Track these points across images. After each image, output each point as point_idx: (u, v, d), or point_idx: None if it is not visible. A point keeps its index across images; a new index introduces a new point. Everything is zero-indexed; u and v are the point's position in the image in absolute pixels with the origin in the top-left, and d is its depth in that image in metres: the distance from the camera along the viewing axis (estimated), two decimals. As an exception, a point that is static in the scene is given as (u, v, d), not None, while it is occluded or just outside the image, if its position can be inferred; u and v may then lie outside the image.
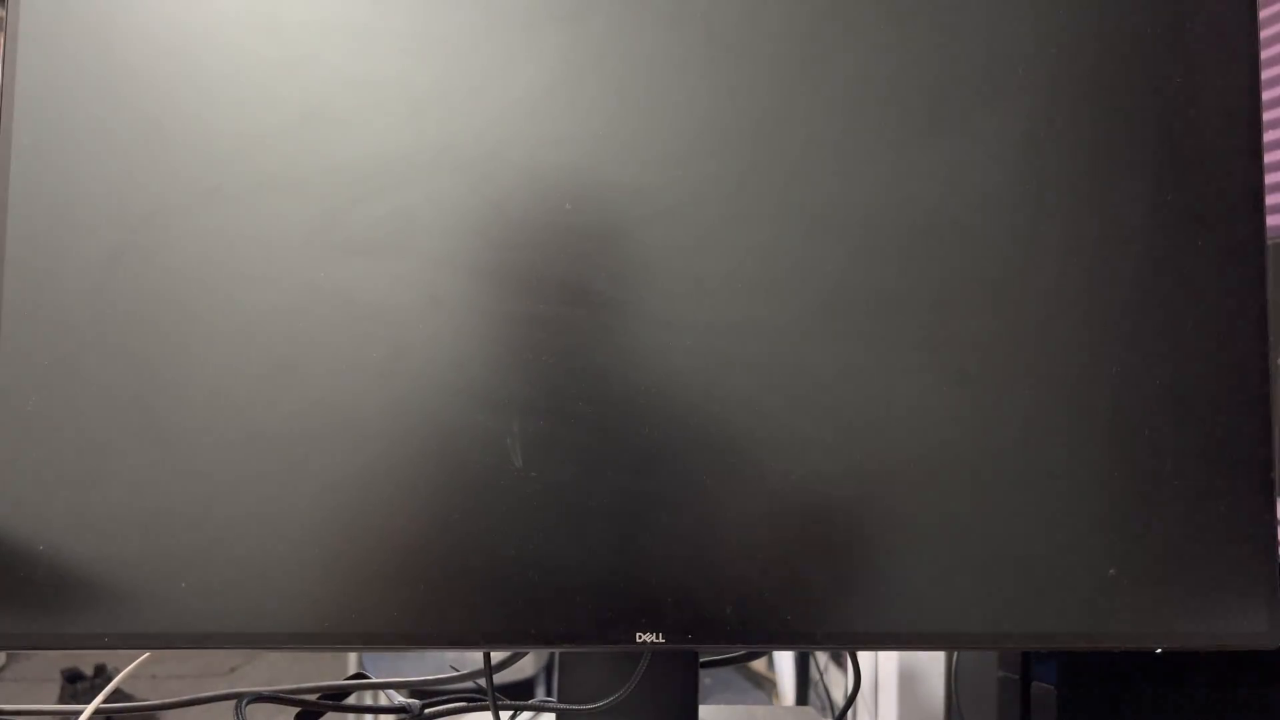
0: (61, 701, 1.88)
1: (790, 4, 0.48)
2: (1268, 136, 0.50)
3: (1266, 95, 0.49)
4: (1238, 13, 0.50)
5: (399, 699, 0.59)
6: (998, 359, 0.48)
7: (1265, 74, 0.50)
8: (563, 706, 0.52)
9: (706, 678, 0.77)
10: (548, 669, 1.74)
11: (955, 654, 0.71)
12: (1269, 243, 0.50)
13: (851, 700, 0.60)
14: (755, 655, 1.23)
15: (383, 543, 0.45)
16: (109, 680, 0.61)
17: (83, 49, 0.46)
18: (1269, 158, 0.50)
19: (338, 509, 0.45)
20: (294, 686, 0.58)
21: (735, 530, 0.46)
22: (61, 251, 0.45)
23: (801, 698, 1.40)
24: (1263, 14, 0.51)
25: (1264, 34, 0.50)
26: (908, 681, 0.85)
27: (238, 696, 0.55)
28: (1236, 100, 0.50)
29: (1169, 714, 0.57)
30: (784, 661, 1.48)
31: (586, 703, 0.51)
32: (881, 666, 0.88)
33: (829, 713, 0.94)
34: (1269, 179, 0.51)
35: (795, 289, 0.47)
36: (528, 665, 1.70)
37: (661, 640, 0.45)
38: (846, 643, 0.51)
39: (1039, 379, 0.48)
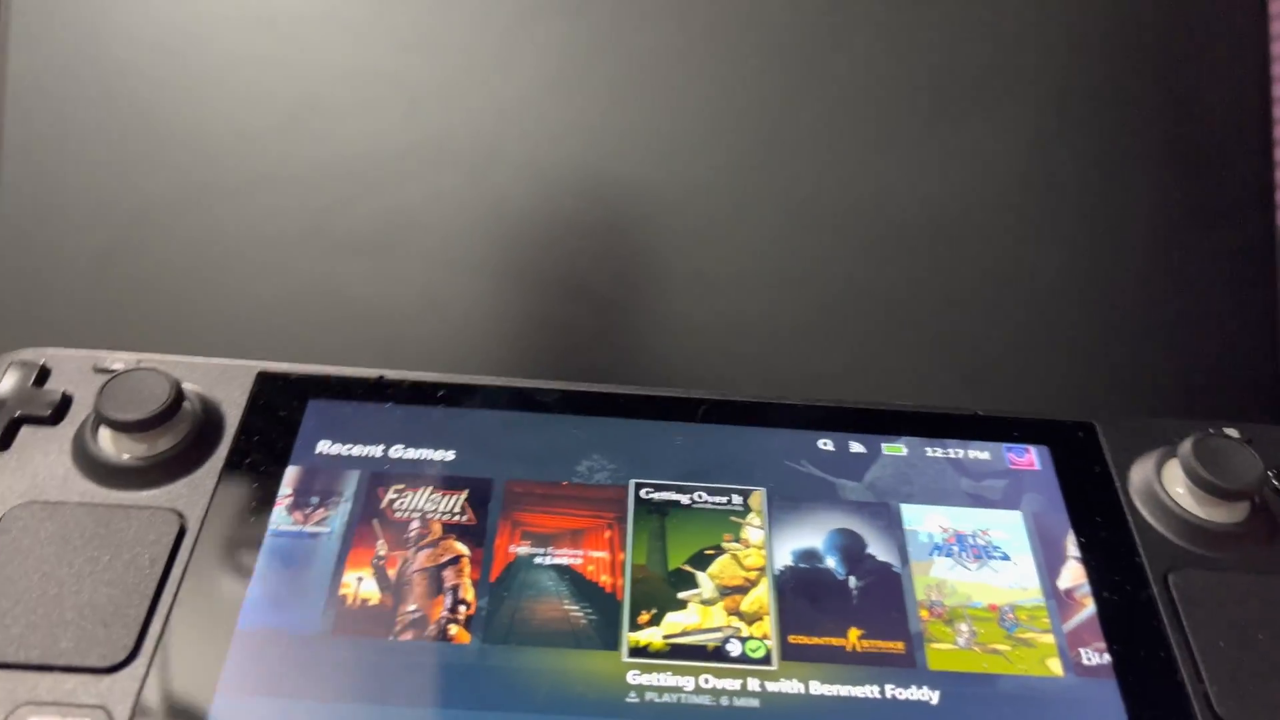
0: None
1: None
2: (1278, 133, 0.49)
3: (1277, 91, 0.49)
4: (1249, 7, 0.48)
5: None
6: (1004, 356, 0.46)
7: (1276, 70, 0.49)
8: None
9: None
10: None
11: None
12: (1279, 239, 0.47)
13: None
14: None
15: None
16: None
17: (74, 46, 0.44)
18: (1278, 154, 0.49)
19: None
20: None
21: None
22: (52, 250, 0.44)
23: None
24: (1274, 7, 0.50)
25: (1275, 29, 0.50)
26: None
27: None
28: (1246, 96, 0.48)
29: None
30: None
31: None
32: None
33: None
34: (1278, 176, 0.48)
35: (799, 285, 0.45)
36: None
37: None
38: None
39: (1042, 377, 0.45)
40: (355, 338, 0.44)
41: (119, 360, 0.33)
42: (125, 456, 0.30)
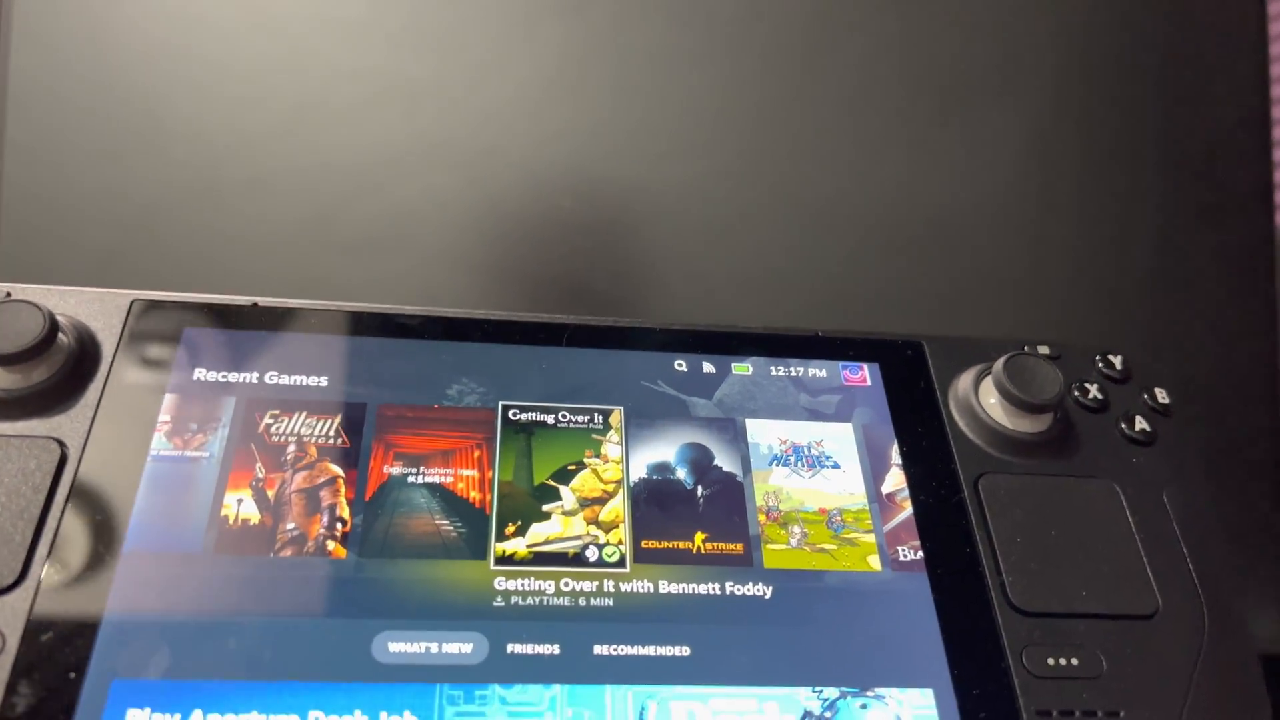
0: None
1: (793, -6, 0.46)
2: (1278, 133, 0.50)
3: (1277, 92, 0.50)
4: (1249, 7, 0.49)
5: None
6: None
7: (1276, 70, 0.51)
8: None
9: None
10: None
11: None
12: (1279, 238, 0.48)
13: None
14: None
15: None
16: None
17: (76, 46, 0.45)
18: (1277, 155, 0.50)
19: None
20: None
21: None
22: (54, 251, 0.43)
23: None
24: (1273, 8, 0.51)
25: (1275, 29, 0.51)
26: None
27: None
28: (1246, 96, 0.49)
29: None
30: None
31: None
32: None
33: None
34: (1278, 176, 0.49)
35: (799, 286, 0.46)
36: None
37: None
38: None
39: None
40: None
41: (-11, 291, 0.33)
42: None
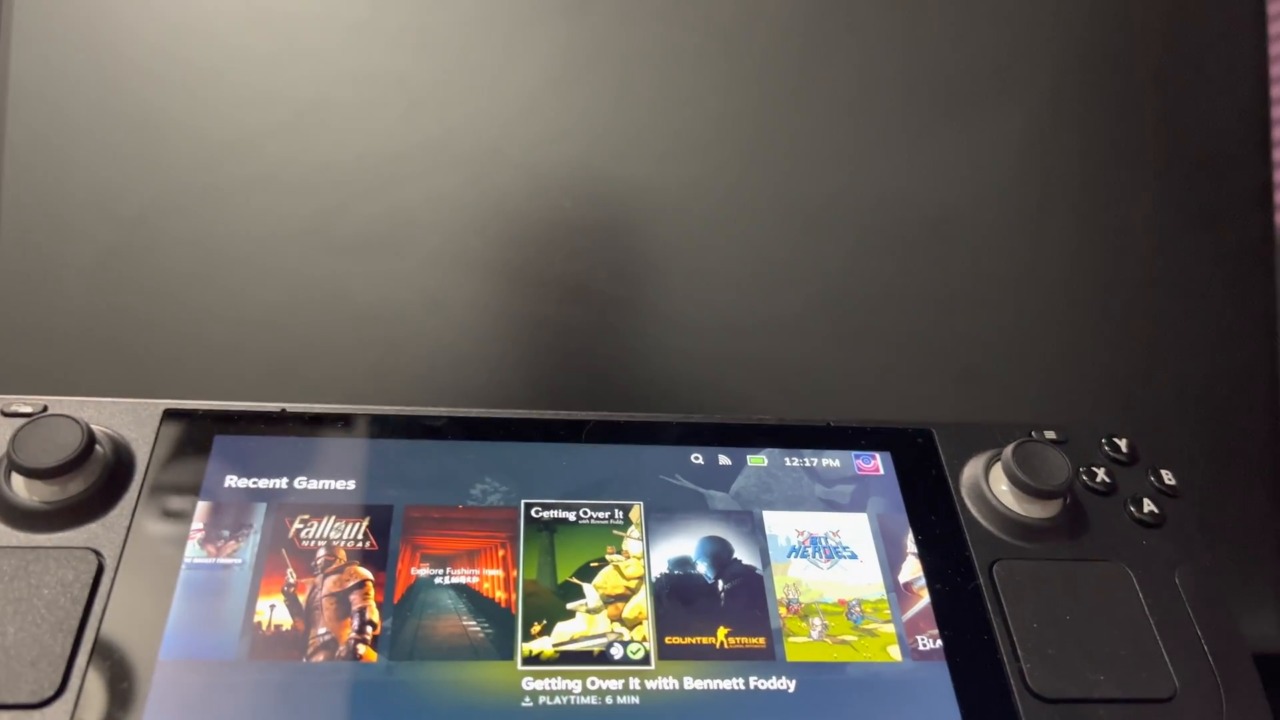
0: None
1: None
2: (1278, 133, 0.50)
3: (1277, 92, 0.50)
4: (1248, 7, 0.50)
5: None
6: (1002, 357, 0.46)
7: (1276, 70, 0.51)
8: None
9: None
10: None
11: None
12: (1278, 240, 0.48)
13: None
14: None
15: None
16: None
17: (76, 47, 0.45)
18: (1277, 155, 0.50)
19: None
20: None
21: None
22: (54, 251, 0.43)
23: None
24: (1272, 8, 0.51)
25: (1275, 29, 0.51)
26: None
27: None
28: (1245, 96, 0.49)
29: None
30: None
31: None
32: None
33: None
34: (1277, 176, 0.50)
35: (799, 285, 0.46)
36: None
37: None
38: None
39: (1044, 377, 0.46)
40: (356, 338, 0.44)
41: (26, 404, 0.34)
42: (37, 500, 0.32)
